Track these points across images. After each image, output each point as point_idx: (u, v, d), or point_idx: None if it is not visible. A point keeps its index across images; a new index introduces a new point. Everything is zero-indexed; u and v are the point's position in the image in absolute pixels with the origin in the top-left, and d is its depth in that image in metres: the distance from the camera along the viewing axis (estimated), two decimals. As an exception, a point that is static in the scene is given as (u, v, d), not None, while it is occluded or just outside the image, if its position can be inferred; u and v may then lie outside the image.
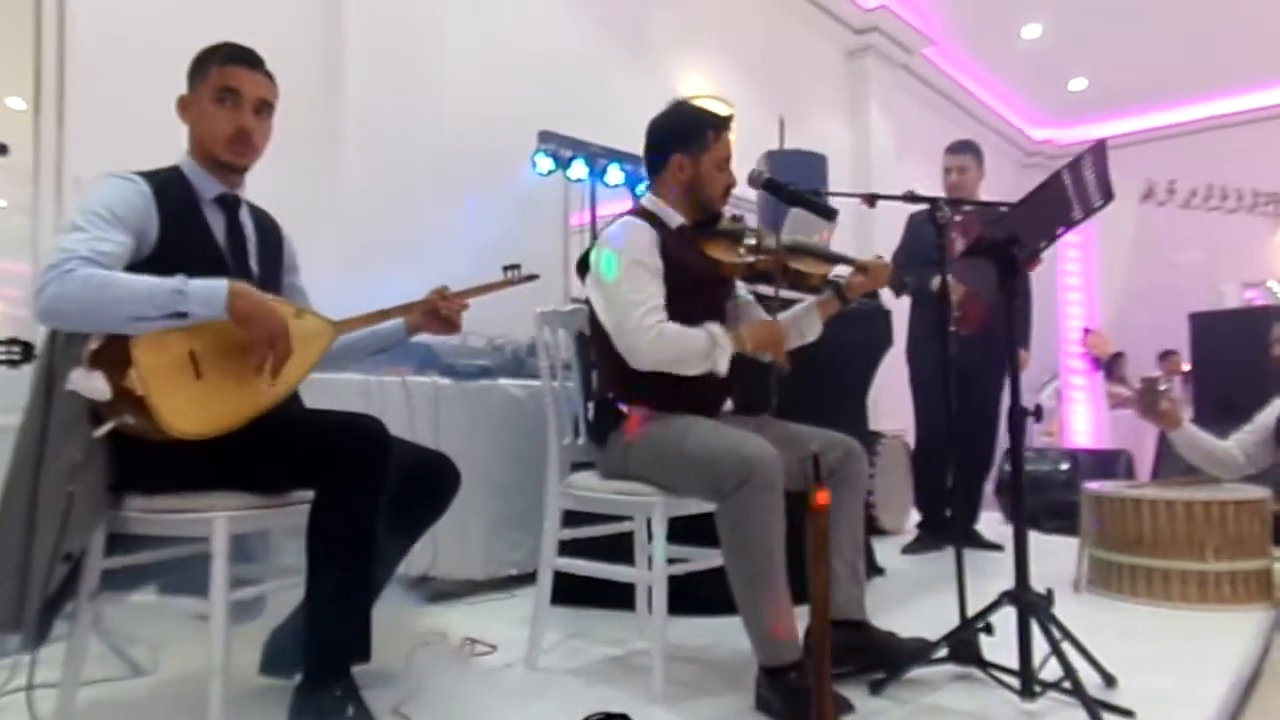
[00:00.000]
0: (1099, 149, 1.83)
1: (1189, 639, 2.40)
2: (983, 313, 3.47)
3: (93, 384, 1.52)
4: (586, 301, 2.08)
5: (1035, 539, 2.10)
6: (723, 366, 1.97)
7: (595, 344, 2.11)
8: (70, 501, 1.56)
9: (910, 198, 2.12)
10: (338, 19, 3.75)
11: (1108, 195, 1.98)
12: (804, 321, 2.23)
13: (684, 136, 2.09)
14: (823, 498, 1.44)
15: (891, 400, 4.61)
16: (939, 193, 3.32)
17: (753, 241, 2.03)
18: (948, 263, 2.03)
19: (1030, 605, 1.82)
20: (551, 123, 4.09)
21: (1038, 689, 1.82)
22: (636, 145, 4.59)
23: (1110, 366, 7.39)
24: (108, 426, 1.57)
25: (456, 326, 2.00)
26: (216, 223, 1.78)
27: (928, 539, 3.77)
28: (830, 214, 2.00)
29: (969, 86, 8.79)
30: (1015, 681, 1.86)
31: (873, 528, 3.81)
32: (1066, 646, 1.85)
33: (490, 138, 4.25)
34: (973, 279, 2.11)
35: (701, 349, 1.93)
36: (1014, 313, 1.91)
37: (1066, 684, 1.76)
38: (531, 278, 2.05)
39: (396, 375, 2.81)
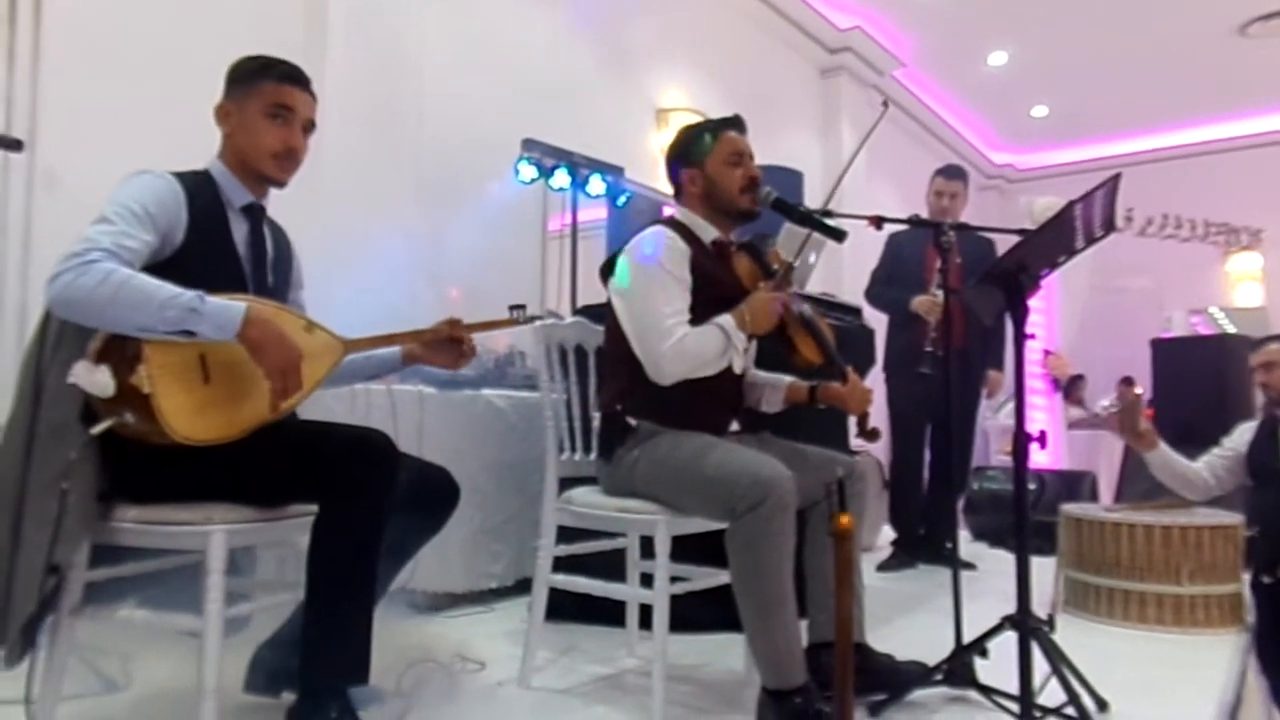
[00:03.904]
0: (1113, 183, 1.86)
1: (1170, 663, 2.44)
2: (961, 333, 3.51)
3: (97, 378, 1.47)
4: (607, 305, 2.05)
5: (1004, 559, 2.12)
6: (739, 364, 2.03)
7: (609, 354, 2.08)
8: (64, 503, 1.49)
9: (915, 221, 2.14)
10: (322, 27, 3.67)
11: (1109, 226, 2.01)
12: (769, 392, 2.22)
13: (684, 151, 2.10)
14: (847, 523, 1.43)
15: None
16: (911, 210, 3.37)
17: (773, 281, 2.04)
18: (964, 288, 2.04)
19: (1033, 631, 1.83)
20: (530, 133, 4.05)
21: (1038, 714, 1.83)
22: (615, 156, 4.52)
23: (1069, 388, 7.56)
24: (105, 424, 1.51)
25: (464, 361, 1.96)
26: (239, 231, 1.74)
27: (902, 556, 3.79)
28: (840, 236, 2.00)
29: (935, 109, 8.94)
30: (1014, 705, 1.87)
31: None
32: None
33: (469, 147, 4.19)
34: (976, 303, 2.13)
35: (718, 348, 1.93)
36: (1021, 340, 1.93)
37: (1066, 709, 1.78)
38: (535, 319, 2.06)
39: (382, 383, 2.74)
